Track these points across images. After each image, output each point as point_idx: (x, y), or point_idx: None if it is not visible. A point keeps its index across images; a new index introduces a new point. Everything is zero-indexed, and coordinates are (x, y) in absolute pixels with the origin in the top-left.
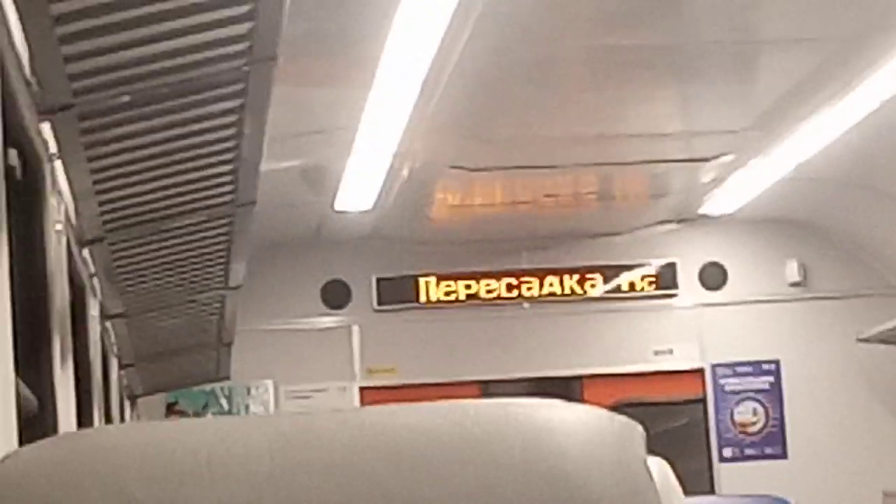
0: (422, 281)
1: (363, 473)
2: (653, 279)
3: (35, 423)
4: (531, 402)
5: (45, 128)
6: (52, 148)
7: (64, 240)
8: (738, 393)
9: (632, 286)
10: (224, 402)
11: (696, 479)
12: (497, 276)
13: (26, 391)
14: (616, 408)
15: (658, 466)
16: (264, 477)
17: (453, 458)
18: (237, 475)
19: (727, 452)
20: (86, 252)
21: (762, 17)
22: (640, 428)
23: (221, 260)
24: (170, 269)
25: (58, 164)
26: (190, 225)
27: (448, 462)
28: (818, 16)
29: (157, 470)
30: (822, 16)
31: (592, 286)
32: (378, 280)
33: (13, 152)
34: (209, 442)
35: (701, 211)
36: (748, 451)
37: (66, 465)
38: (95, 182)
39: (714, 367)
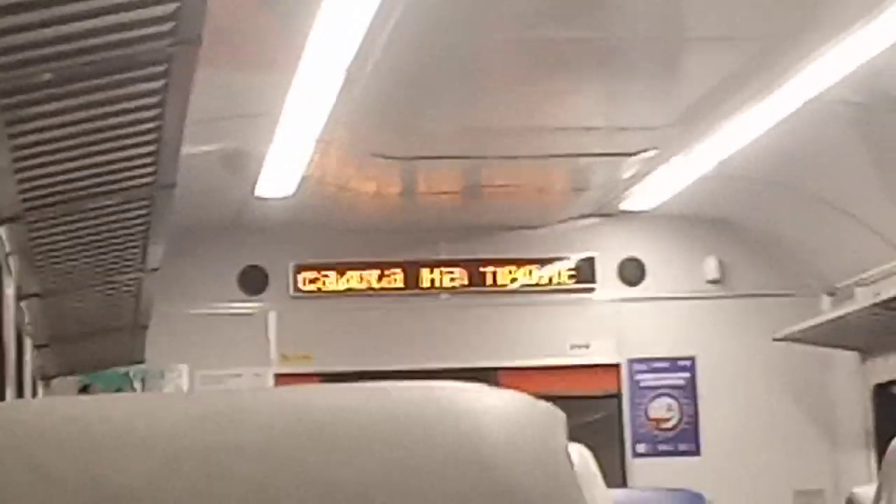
0: (340, 269)
1: (282, 452)
2: (571, 273)
3: None
4: (455, 385)
5: None
6: None
7: None
8: (653, 388)
9: (550, 280)
10: (138, 385)
11: (609, 473)
12: (415, 266)
13: None
14: None
15: (578, 453)
16: (181, 453)
17: (374, 438)
18: (153, 451)
19: (641, 448)
20: (2, 230)
21: (688, 15)
22: (561, 414)
23: (139, 242)
24: (87, 250)
25: None
26: (109, 206)
27: (370, 444)
28: (743, 15)
29: (72, 444)
30: (747, 15)
31: (511, 279)
32: (296, 267)
33: None
34: (128, 418)
35: (621, 206)
36: (662, 447)
37: None
38: (15, 160)
39: (630, 362)
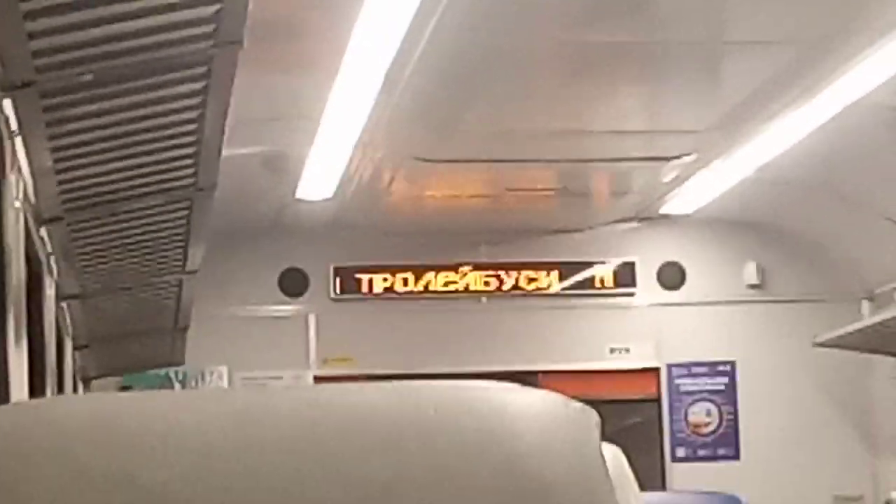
0: (380, 271)
1: (316, 450)
2: (611, 277)
3: None
4: (487, 385)
5: (7, 104)
6: (13, 125)
7: (22, 217)
8: (692, 393)
9: (590, 283)
10: (178, 386)
11: (649, 477)
12: (456, 268)
13: None
14: None
15: (612, 454)
16: (218, 450)
17: (407, 438)
18: (190, 448)
19: (680, 452)
20: (43, 231)
21: (728, 19)
22: (595, 415)
23: (180, 244)
24: (128, 251)
25: (18, 140)
26: (149, 207)
27: (402, 442)
28: (783, 19)
29: (109, 440)
30: (787, 19)
31: (551, 282)
32: (336, 269)
33: None
34: (163, 414)
35: (662, 210)
36: (701, 452)
37: (16, 434)
38: (56, 161)
39: (670, 366)
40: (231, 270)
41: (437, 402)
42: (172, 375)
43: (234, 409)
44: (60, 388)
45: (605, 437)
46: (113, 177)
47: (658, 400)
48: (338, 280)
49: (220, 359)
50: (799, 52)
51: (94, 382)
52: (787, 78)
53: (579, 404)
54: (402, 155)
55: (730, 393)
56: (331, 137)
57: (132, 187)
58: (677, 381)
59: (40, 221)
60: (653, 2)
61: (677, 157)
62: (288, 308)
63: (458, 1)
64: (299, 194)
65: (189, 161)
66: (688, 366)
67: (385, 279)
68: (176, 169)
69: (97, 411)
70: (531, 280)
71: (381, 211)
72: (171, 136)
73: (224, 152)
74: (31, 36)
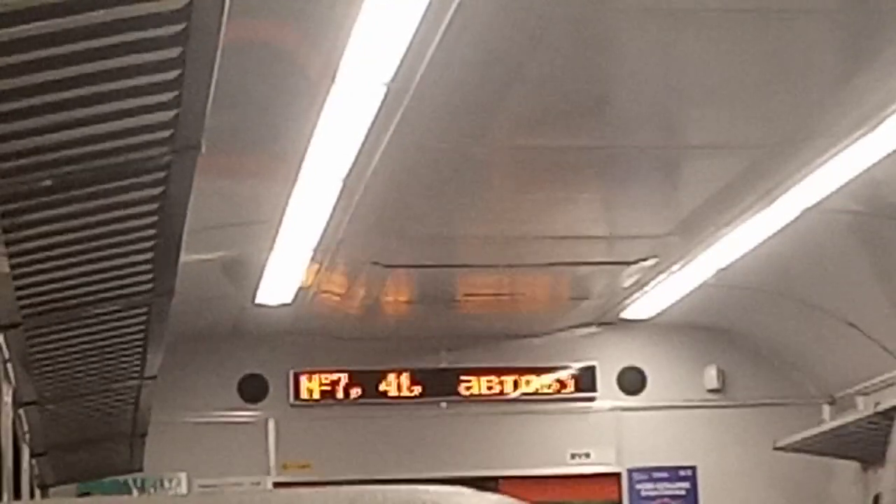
0: (339, 377)
1: None
2: (571, 382)
3: None
4: (441, 489)
5: None
6: None
7: None
8: (654, 498)
9: (550, 388)
10: (136, 493)
11: None
12: (415, 373)
13: None
14: None
15: None
16: None
17: None
18: None
19: None
20: (0, 337)
21: (686, 124)
22: None
23: (138, 349)
24: (86, 357)
25: None
26: (107, 313)
27: None
28: (741, 124)
29: None
30: (745, 125)
31: (511, 387)
32: (295, 375)
33: None
34: None
35: (622, 315)
36: None
37: None
38: (13, 266)
39: (631, 471)
40: (190, 376)
41: None
42: (131, 482)
43: None
44: (17, 495)
45: None
46: (71, 282)
47: None
48: (297, 385)
49: (178, 465)
50: (757, 157)
51: (52, 489)
52: (746, 183)
53: None
54: (361, 260)
55: (691, 498)
56: (289, 243)
57: (90, 293)
58: (638, 486)
59: None
60: (610, 107)
61: (636, 262)
62: (247, 414)
63: (416, 108)
64: (258, 300)
65: (147, 266)
66: (649, 471)
67: (345, 384)
68: (134, 274)
69: None
70: (490, 385)
71: (340, 316)
72: (130, 242)
73: (182, 258)
74: None
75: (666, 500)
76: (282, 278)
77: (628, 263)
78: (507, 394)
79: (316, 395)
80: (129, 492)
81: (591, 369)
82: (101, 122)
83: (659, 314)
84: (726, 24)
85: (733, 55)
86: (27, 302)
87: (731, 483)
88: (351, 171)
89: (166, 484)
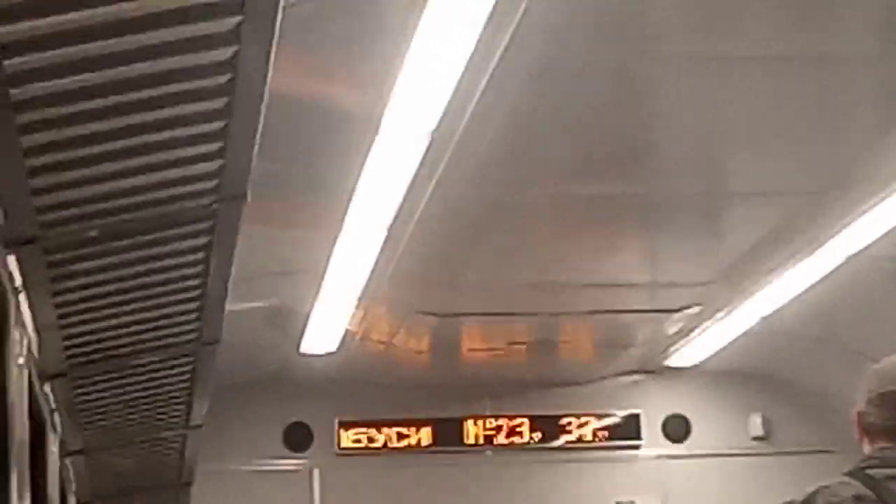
0: (385, 425)
1: None
2: (616, 430)
3: None
4: None
5: (11, 260)
6: (17, 280)
7: (26, 373)
8: None
9: (595, 436)
10: None
11: None
12: (461, 422)
13: None
14: None
15: None
16: None
17: None
18: None
19: None
20: (47, 387)
21: (729, 171)
22: None
23: (184, 398)
24: (131, 406)
25: (22, 296)
26: (153, 362)
27: None
28: (785, 171)
29: None
30: (789, 171)
31: (556, 435)
32: (341, 423)
33: None
34: None
35: (666, 362)
36: None
37: None
38: (60, 316)
39: None
40: (235, 425)
41: None
42: None
43: None
44: None
45: None
46: (117, 332)
47: None
48: (343, 434)
49: None
50: (800, 203)
51: None
52: (789, 229)
53: None
54: (406, 309)
55: None
56: (334, 292)
57: (136, 342)
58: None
59: (44, 377)
60: (653, 155)
61: (680, 310)
62: (293, 462)
63: (459, 157)
64: (303, 348)
65: (193, 316)
66: None
67: (390, 433)
68: (180, 324)
69: None
70: (535, 433)
71: (385, 364)
72: (176, 291)
73: (228, 306)
74: (35, 192)
75: None
76: (326, 327)
77: (672, 311)
78: (551, 442)
79: (361, 444)
80: None
81: (636, 417)
82: (147, 173)
83: (703, 361)
84: (768, 71)
85: (775, 102)
86: (74, 352)
87: None
88: (395, 219)
89: None
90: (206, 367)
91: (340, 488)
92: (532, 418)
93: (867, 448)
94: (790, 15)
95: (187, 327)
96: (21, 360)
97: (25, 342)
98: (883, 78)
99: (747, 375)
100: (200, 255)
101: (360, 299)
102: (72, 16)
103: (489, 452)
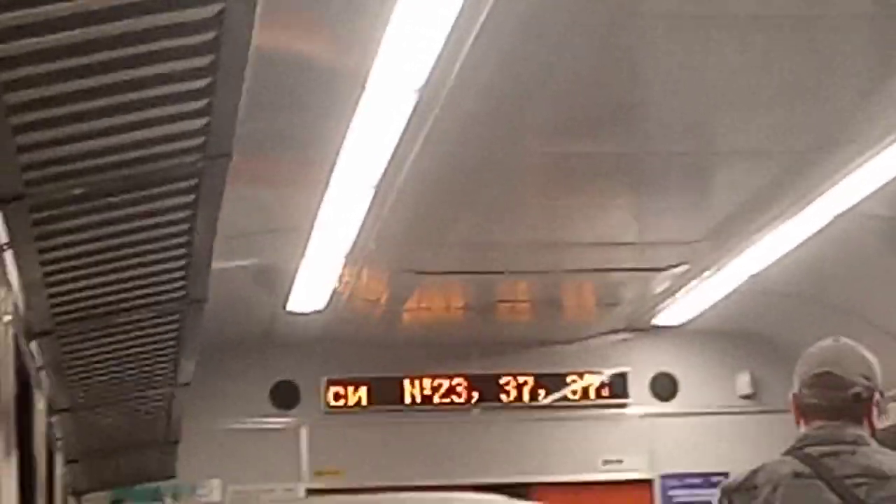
0: (371, 383)
1: None
2: (604, 388)
3: None
4: (475, 496)
5: None
6: (3, 238)
7: (11, 332)
8: None
9: (582, 394)
10: (169, 501)
11: None
12: (447, 379)
13: None
14: None
15: None
16: None
17: None
18: None
19: None
20: (34, 345)
21: (717, 130)
22: None
23: (171, 356)
24: (118, 364)
25: (8, 254)
26: (140, 320)
27: None
28: (772, 130)
29: None
30: (776, 131)
31: (543, 393)
32: (328, 381)
33: None
34: None
35: (653, 321)
36: None
37: None
38: (46, 274)
39: (663, 477)
40: (222, 383)
41: None
42: (164, 489)
43: None
44: (51, 502)
45: None
46: (103, 290)
47: None
48: (330, 392)
49: (212, 472)
50: (788, 162)
51: (85, 496)
52: (777, 188)
53: None
54: (393, 267)
55: None
56: (321, 250)
57: (122, 300)
58: (670, 493)
59: (30, 335)
60: (641, 114)
61: (668, 268)
62: (280, 421)
63: (448, 113)
64: (290, 307)
65: (179, 274)
66: (681, 477)
67: (377, 391)
68: (166, 282)
69: None
70: (522, 391)
71: (372, 323)
72: (162, 249)
73: (214, 265)
74: (21, 150)
75: None
76: (313, 285)
77: (660, 270)
78: (539, 400)
79: (348, 402)
80: (162, 499)
81: (623, 376)
82: (132, 131)
83: (691, 320)
84: (756, 30)
85: (764, 61)
86: (60, 309)
87: None
88: (382, 177)
89: (199, 490)
90: (192, 326)
91: (328, 446)
92: (518, 376)
93: (804, 428)
94: None
95: (174, 285)
96: (7, 318)
97: (11, 300)
98: (871, 37)
99: (735, 334)
100: (186, 212)
101: (346, 257)
102: None
103: (476, 411)
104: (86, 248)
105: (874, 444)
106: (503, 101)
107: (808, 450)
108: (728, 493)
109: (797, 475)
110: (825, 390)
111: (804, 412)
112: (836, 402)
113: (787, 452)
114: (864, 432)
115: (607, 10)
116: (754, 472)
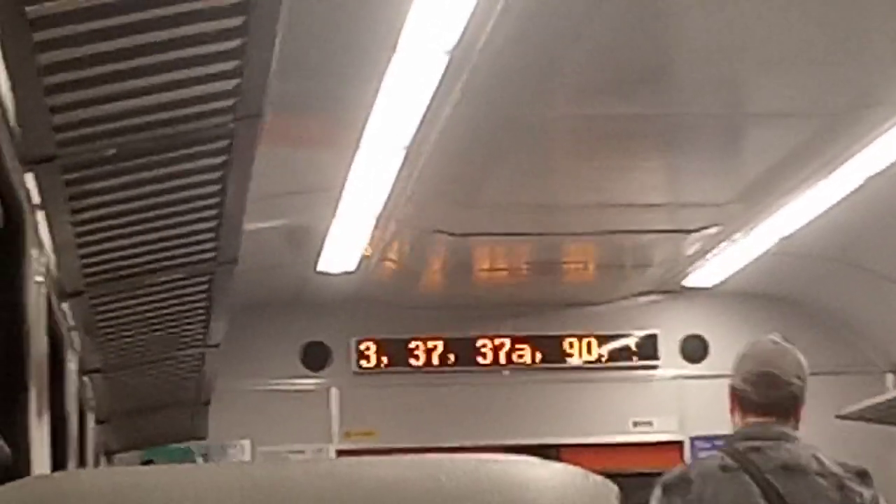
0: (402, 345)
1: None
2: (634, 350)
3: (8, 474)
4: (507, 458)
5: (29, 178)
6: (35, 198)
7: (44, 292)
8: None
9: (613, 356)
10: (200, 461)
11: None
12: (477, 341)
13: (0, 441)
14: None
15: None
16: None
17: None
18: None
19: None
20: (65, 305)
21: (750, 91)
22: (615, 488)
23: (201, 317)
24: (149, 325)
25: (40, 215)
26: (171, 281)
27: None
28: (805, 91)
29: None
30: (809, 92)
31: (573, 355)
32: (358, 343)
33: None
34: (183, 488)
35: (684, 283)
36: None
37: None
38: (77, 235)
39: (693, 439)
40: (253, 344)
41: (458, 476)
42: (194, 449)
43: (254, 482)
44: (82, 462)
45: None
46: (135, 251)
47: None
48: (360, 353)
49: (242, 433)
50: (821, 124)
51: (116, 456)
52: (809, 150)
53: (600, 477)
54: (424, 228)
55: None
56: (352, 211)
57: (154, 261)
58: (701, 455)
59: (62, 296)
60: (673, 74)
61: (699, 230)
62: (310, 382)
63: (479, 74)
64: (321, 267)
65: (210, 235)
66: (711, 439)
67: (407, 352)
68: (198, 243)
69: (118, 485)
70: (554, 353)
71: (403, 284)
72: (193, 210)
73: (245, 226)
74: (53, 110)
75: None
76: (344, 246)
77: (690, 231)
78: (569, 362)
79: (379, 363)
80: (193, 459)
81: (653, 337)
82: (164, 91)
83: (721, 282)
84: None
85: (797, 22)
86: (91, 270)
87: None
88: (413, 138)
89: (230, 451)
90: (223, 287)
91: (358, 407)
92: (548, 338)
93: (737, 421)
94: None
95: (205, 246)
96: (39, 279)
97: (43, 260)
98: None
99: (766, 296)
100: (217, 174)
101: (377, 219)
102: None
103: (506, 372)
104: (117, 209)
105: (799, 440)
106: (534, 63)
107: (736, 444)
108: (666, 488)
109: (724, 469)
110: (765, 388)
111: (742, 406)
112: (773, 399)
113: (720, 448)
114: (790, 429)
115: None
116: (690, 466)
